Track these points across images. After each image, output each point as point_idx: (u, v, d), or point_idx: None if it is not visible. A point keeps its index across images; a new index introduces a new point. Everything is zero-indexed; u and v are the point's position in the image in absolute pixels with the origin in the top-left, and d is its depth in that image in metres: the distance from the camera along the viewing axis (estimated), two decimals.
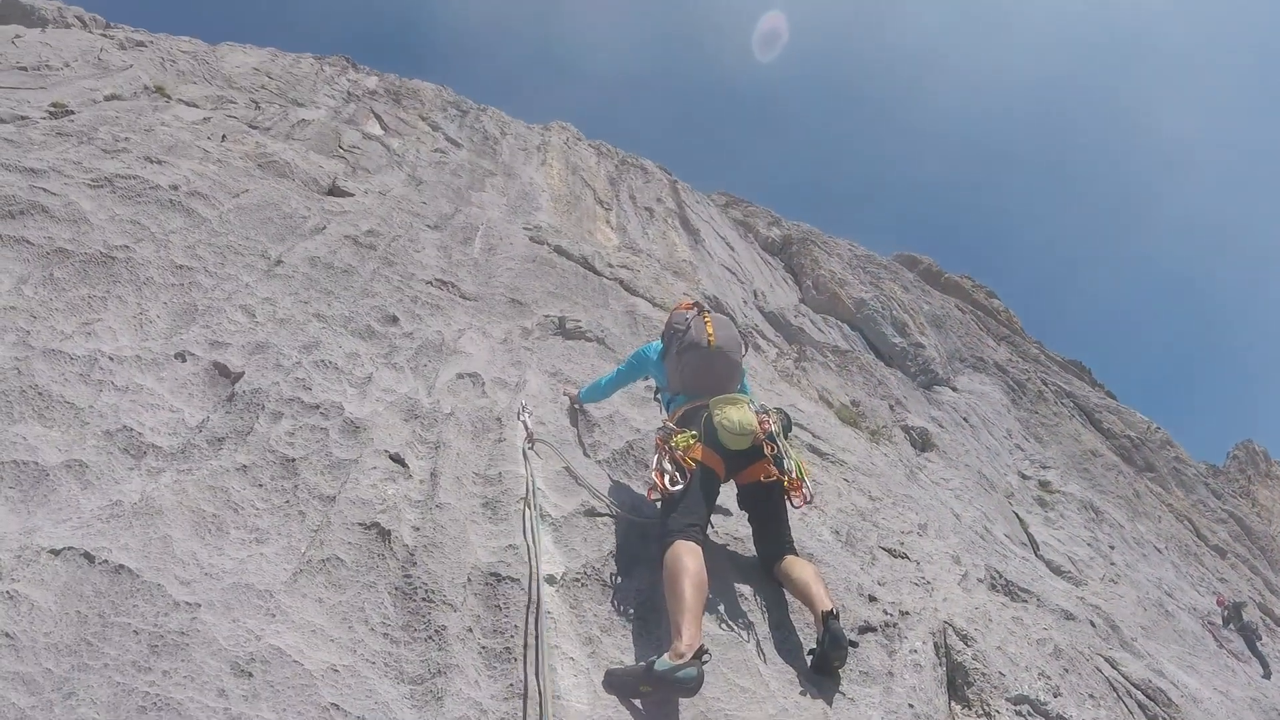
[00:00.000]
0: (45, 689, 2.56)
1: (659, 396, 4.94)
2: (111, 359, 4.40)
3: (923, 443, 13.31)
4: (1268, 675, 14.27)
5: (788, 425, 4.53)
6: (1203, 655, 11.39)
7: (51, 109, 7.49)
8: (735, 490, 4.48)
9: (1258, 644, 15.22)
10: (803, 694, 3.70)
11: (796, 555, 4.21)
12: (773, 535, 4.27)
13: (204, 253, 5.91)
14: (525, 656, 3.38)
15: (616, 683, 3.35)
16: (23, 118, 6.98)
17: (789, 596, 4.26)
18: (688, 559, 3.59)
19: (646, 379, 5.16)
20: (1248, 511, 27.54)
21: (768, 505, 4.27)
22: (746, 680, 3.64)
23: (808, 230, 27.15)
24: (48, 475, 3.50)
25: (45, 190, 5.64)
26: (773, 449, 4.18)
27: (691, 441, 4.06)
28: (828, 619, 3.67)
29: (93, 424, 3.91)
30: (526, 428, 5.04)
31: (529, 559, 3.85)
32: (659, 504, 4.07)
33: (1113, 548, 14.76)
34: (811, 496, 4.27)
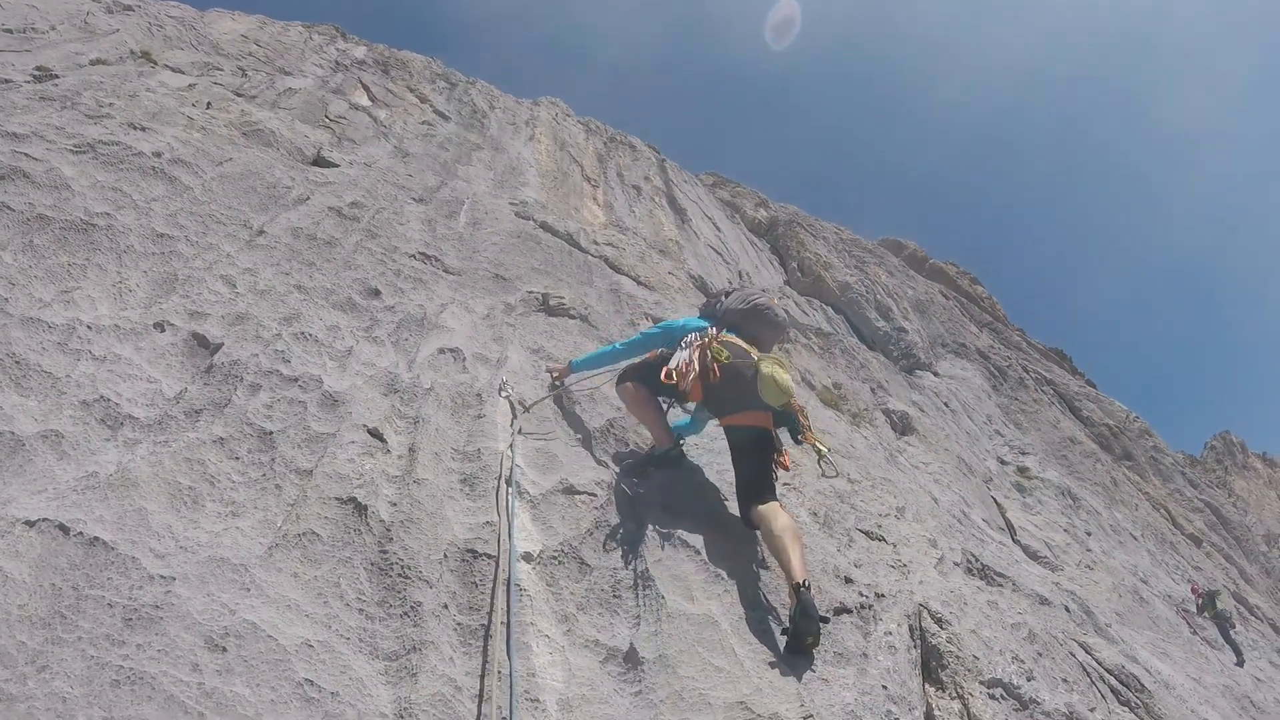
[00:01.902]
0: (19, 661, 2.54)
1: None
2: (90, 328, 4.34)
3: (903, 426, 13.36)
4: (1240, 663, 14.37)
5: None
6: (1176, 642, 11.54)
7: (36, 72, 7.36)
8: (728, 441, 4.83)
9: (1231, 632, 15.33)
10: (777, 674, 3.73)
11: (778, 503, 4.42)
12: (763, 482, 4.53)
13: (185, 221, 5.83)
14: (499, 633, 3.40)
15: (627, 469, 4.71)
16: (6, 80, 6.84)
17: (766, 556, 4.47)
18: (646, 390, 4.82)
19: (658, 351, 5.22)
20: (1224, 501, 27.85)
21: (761, 456, 4.60)
22: (721, 660, 3.67)
23: (794, 213, 27.08)
24: (24, 445, 3.45)
25: (27, 155, 5.53)
26: (806, 422, 4.71)
27: (726, 355, 4.62)
28: (799, 591, 3.88)
29: (70, 394, 3.86)
30: (512, 404, 5.09)
31: (500, 535, 3.87)
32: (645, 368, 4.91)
33: (1089, 534, 14.88)
34: (829, 464, 4.92)
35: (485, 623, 3.46)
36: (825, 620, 3.96)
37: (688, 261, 14.24)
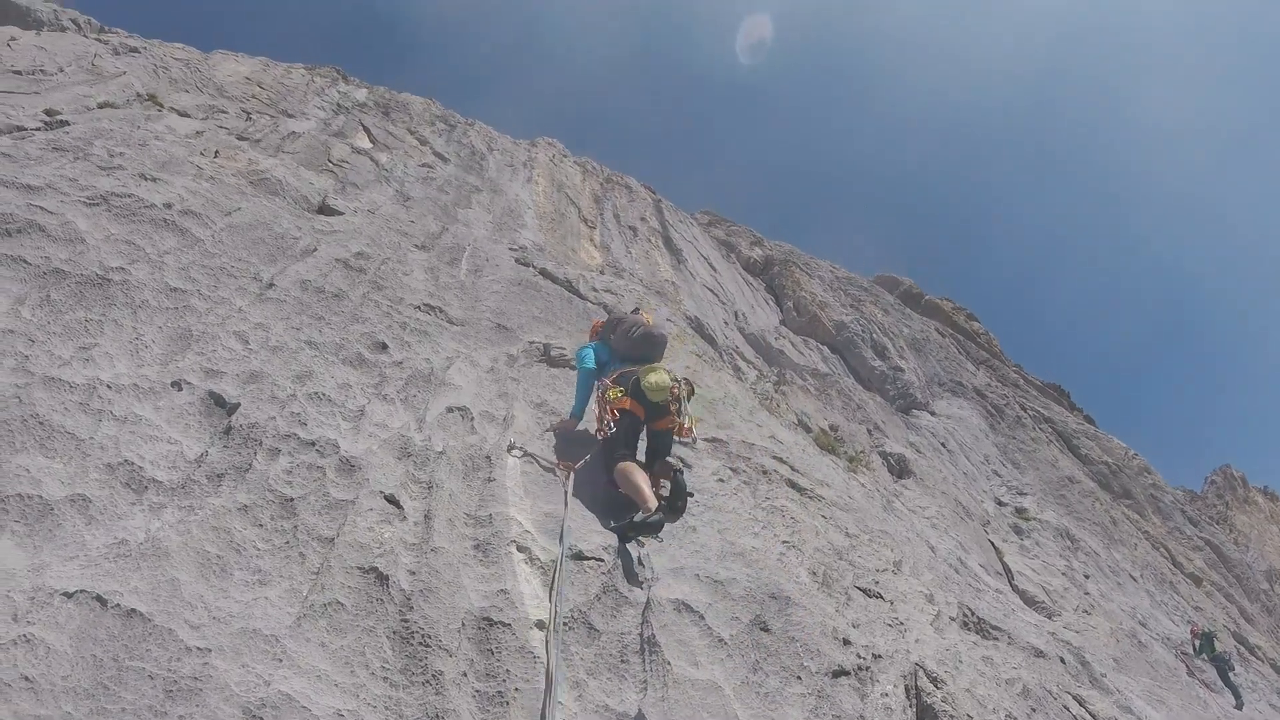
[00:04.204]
0: None
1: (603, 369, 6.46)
2: (109, 387, 4.50)
3: (900, 469, 13.55)
4: (1239, 706, 14.45)
5: (690, 392, 6.18)
6: (1174, 688, 11.65)
7: (45, 116, 7.55)
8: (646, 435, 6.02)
9: (1230, 674, 15.36)
10: None
11: (675, 467, 5.63)
12: (661, 453, 5.90)
13: (197, 274, 6.00)
14: (514, 700, 3.56)
15: (616, 532, 5.05)
16: (19, 128, 7.04)
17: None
18: (631, 466, 5.41)
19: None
20: (1224, 539, 28.01)
21: (664, 439, 5.95)
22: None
23: (789, 250, 27.45)
24: (52, 510, 3.59)
25: (42, 209, 5.71)
26: (677, 407, 5.88)
27: (620, 394, 5.85)
28: (675, 473, 5.29)
29: (94, 456, 4.01)
30: (550, 463, 5.72)
31: (552, 605, 4.08)
32: (604, 444, 5.69)
33: (1088, 576, 15.01)
34: (694, 436, 6.11)
35: (501, 690, 3.62)
36: (692, 496, 5.36)
37: (684, 303, 14.49)
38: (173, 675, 3.03)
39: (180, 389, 4.79)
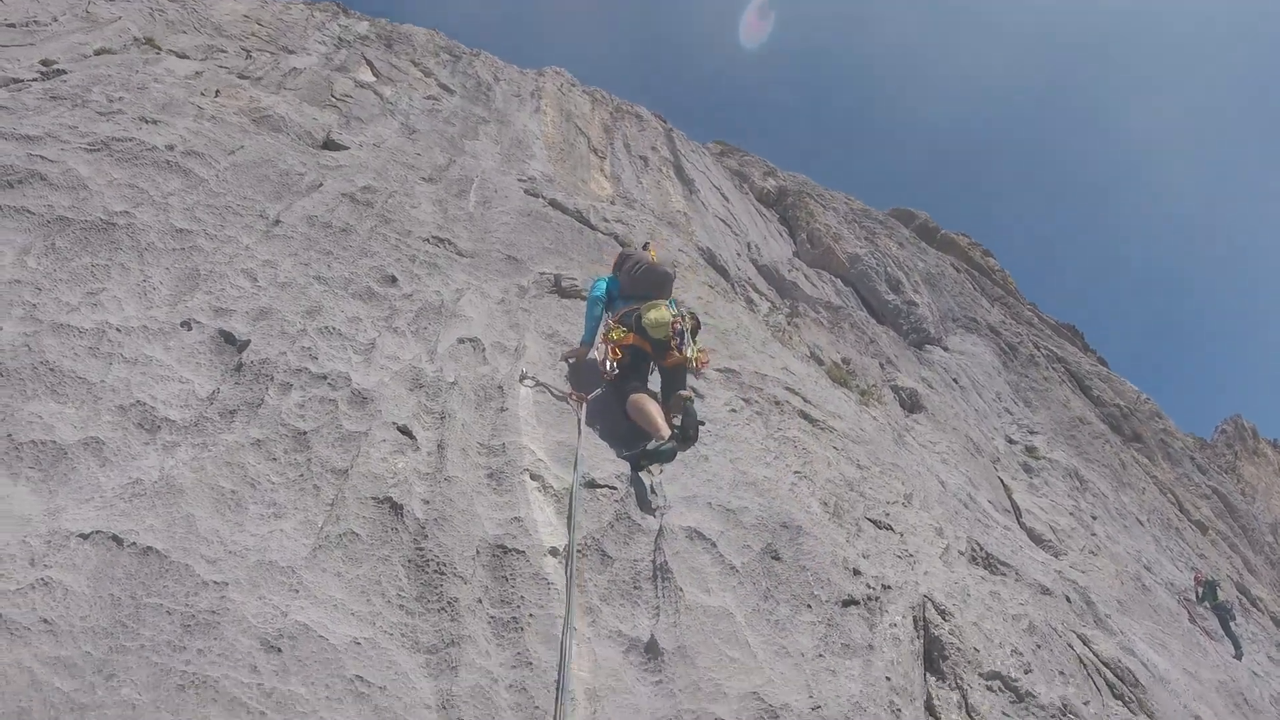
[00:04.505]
0: (86, 671, 2.70)
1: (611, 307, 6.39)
2: (119, 330, 4.45)
3: (912, 404, 13.42)
4: (1239, 656, 14.40)
5: (696, 326, 6.20)
6: (1175, 633, 11.65)
7: (42, 66, 7.40)
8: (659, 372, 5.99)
9: (1231, 624, 15.30)
10: (788, 665, 3.91)
11: (685, 395, 5.61)
12: (674, 388, 5.75)
13: (203, 215, 5.92)
14: (529, 625, 3.58)
15: (631, 461, 5.03)
16: (15, 80, 6.89)
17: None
18: (643, 396, 5.42)
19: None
20: (1232, 488, 27.75)
21: (675, 375, 5.85)
22: (735, 651, 3.84)
23: (803, 182, 26.85)
24: (66, 454, 3.57)
25: (43, 158, 5.61)
26: (678, 342, 5.78)
27: (624, 333, 5.82)
28: (685, 402, 5.42)
29: (106, 399, 3.97)
30: (563, 393, 5.69)
31: (569, 533, 4.07)
32: (616, 371, 5.71)
33: (1095, 518, 14.92)
34: (701, 365, 6.00)
35: (516, 615, 3.63)
36: (703, 424, 5.62)
37: (696, 234, 14.27)
38: (190, 610, 3.03)
39: (190, 328, 4.75)
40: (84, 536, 3.17)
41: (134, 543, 3.20)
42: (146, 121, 6.83)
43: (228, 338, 4.79)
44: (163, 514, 3.42)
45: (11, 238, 4.88)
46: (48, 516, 3.25)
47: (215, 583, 3.17)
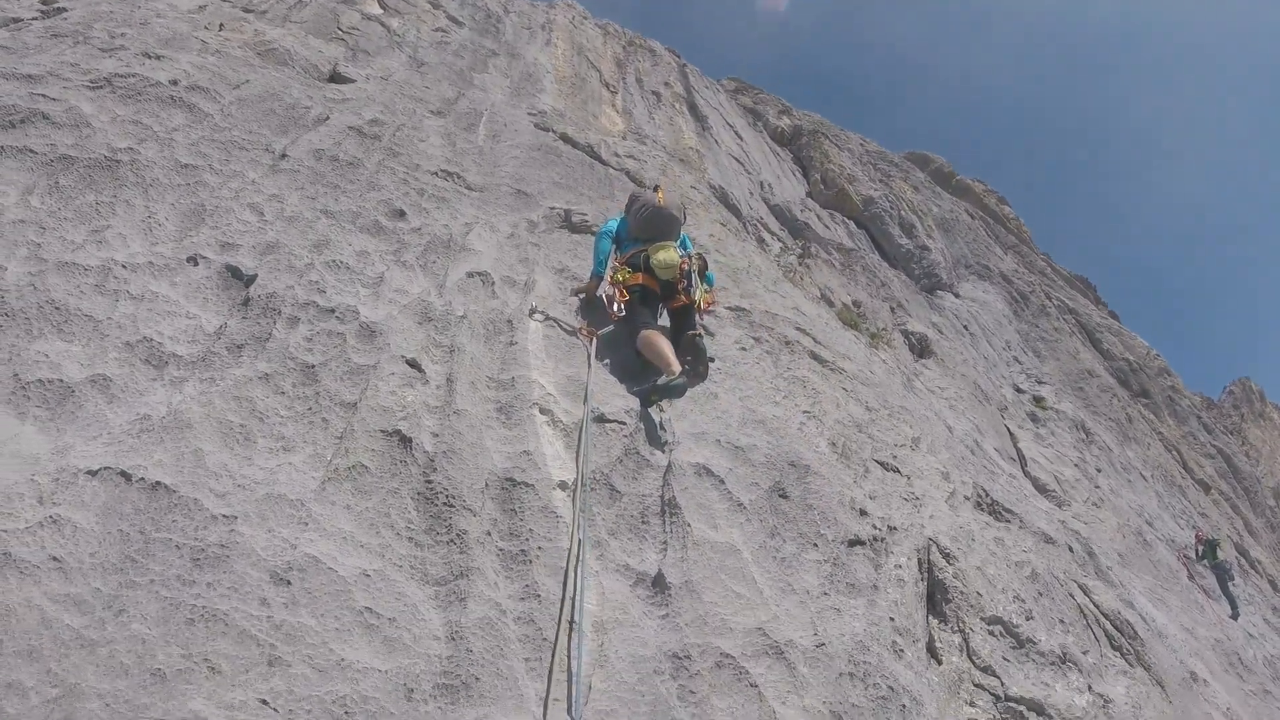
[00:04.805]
0: (96, 608, 2.68)
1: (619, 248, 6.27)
2: (125, 267, 4.37)
3: (921, 349, 13.24)
4: (1235, 616, 14.33)
5: (704, 267, 6.09)
6: (1174, 589, 11.62)
7: (41, 5, 7.21)
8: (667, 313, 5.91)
9: (1229, 584, 15.23)
10: (793, 602, 3.89)
11: (694, 332, 5.62)
12: (683, 329, 5.68)
13: (208, 149, 5.80)
14: (537, 558, 3.56)
15: (641, 396, 4.96)
16: (15, 20, 6.71)
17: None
18: (653, 332, 5.32)
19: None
20: (1237, 450, 27.56)
21: (684, 316, 5.77)
22: (742, 587, 3.81)
23: (818, 122, 26.17)
24: (73, 392, 3.52)
25: (45, 96, 5.47)
26: (685, 284, 5.75)
27: (629, 274, 5.74)
28: (695, 339, 5.44)
29: (112, 336, 3.91)
30: (572, 328, 5.60)
31: (578, 467, 4.02)
32: (624, 314, 5.59)
33: (1099, 470, 14.80)
34: (708, 305, 5.97)
35: (525, 548, 3.61)
36: (713, 360, 5.65)
37: (708, 171, 14.01)
38: (199, 544, 3.00)
39: (196, 264, 4.67)
40: (92, 473, 3.13)
41: (142, 478, 3.17)
42: (149, 57, 6.66)
43: (234, 272, 4.71)
44: (171, 449, 3.38)
45: (15, 177, 4.78)
46: (55, 455, 3.21)
47: (224, 516, 3.14)
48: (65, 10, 7.21)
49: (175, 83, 6.37)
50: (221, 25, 8.04)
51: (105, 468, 3.16)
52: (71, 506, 2.97)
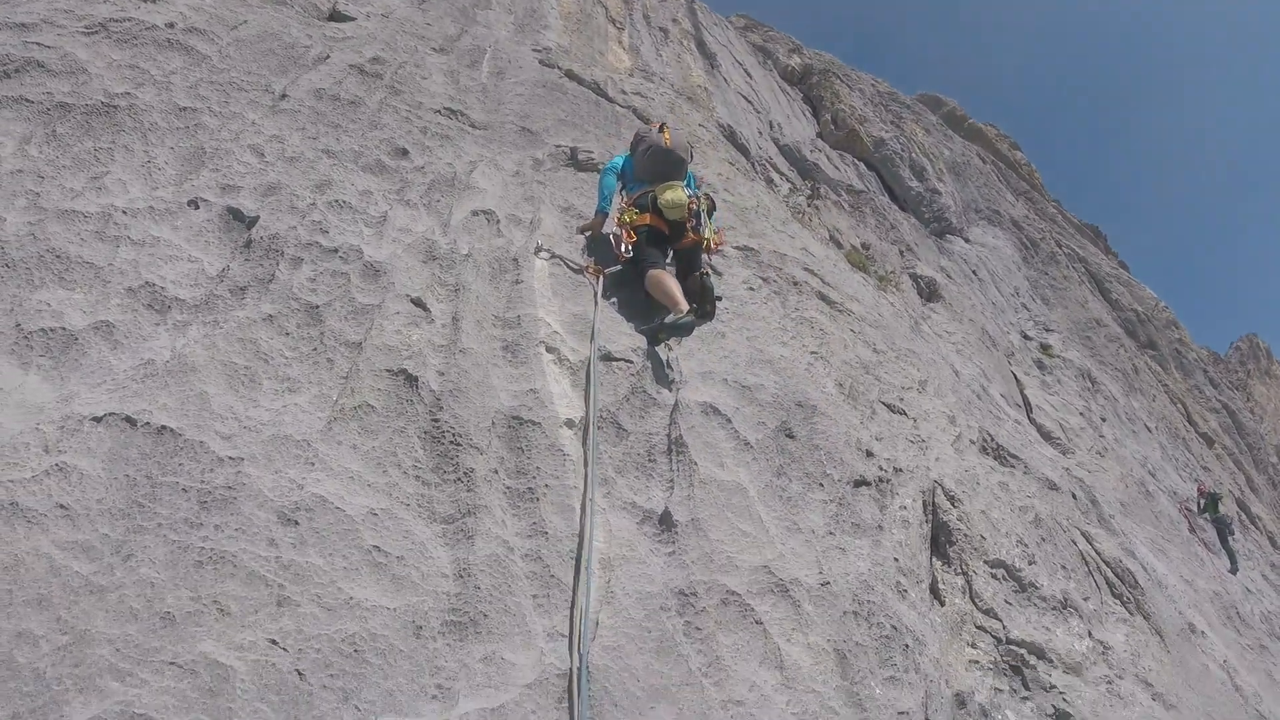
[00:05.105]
0: (104, 554, 2.65)
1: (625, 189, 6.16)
2: (125, 212, 4.28)
3: (929, 293, 13.05)
4: (1234, 570, 14.28)
5: (712, 207, 6.00)
6: (1175, 541, 11.55)
7: None
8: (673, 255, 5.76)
9: (1229, 538, 15.15)
10: (799, 541, 3.88)
11: (701, 271, 5.48)
12: (690, 269, 5.56)
13: (206, 92, 5.67)
14: (544, 496, 3.54)
15: (648, 335, 4.89)
16: None
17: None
18: (660, 272, 5.25)
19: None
20: (1241, 405, 27.31)
21: (691, 256, 5.66)
22: (748, 525, 3.78)
23: (829, 61, 25.43)
24: (76, 339, 3.45)
25: (39, 44, 5.30)
26: (694, 223, 5.63)
27: (637, 215, 5.63)
28: (703, 278, 5.23)
29: (114, 282, 3.82)
30: (579, 266, 5.50)
31: (587, 405, 3.98)
32: (631, 254, 5.51)
33: (1104, 420, 14.66)
34: (717, 245, 5.89)
35: (532, 486, 3.58)
36: (720, 299, 5.38)
37: (716, 110, 13.69)
38: (206, 486, 2.97)
39: (197, 207, 4.58)
40: (97, 420, 3.09)
41: (148, 423, 3.13)
42: (144, 0, 6.51)
43: (236, 215, 4.62)
44: (176, 393, 3.33)
45: (11, 128, 4.66)
46: (60, 403, 3.16)
47: (230, 459, 3.11)
48: None
49: (172, 25, 6.20)
50: None
51: (110, 414, 3.12)
52: (77, 454, 2.93)
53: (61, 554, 2.60)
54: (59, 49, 5.32)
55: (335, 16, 8.36)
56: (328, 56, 7.02)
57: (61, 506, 2.74)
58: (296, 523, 2.98)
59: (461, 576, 3.07)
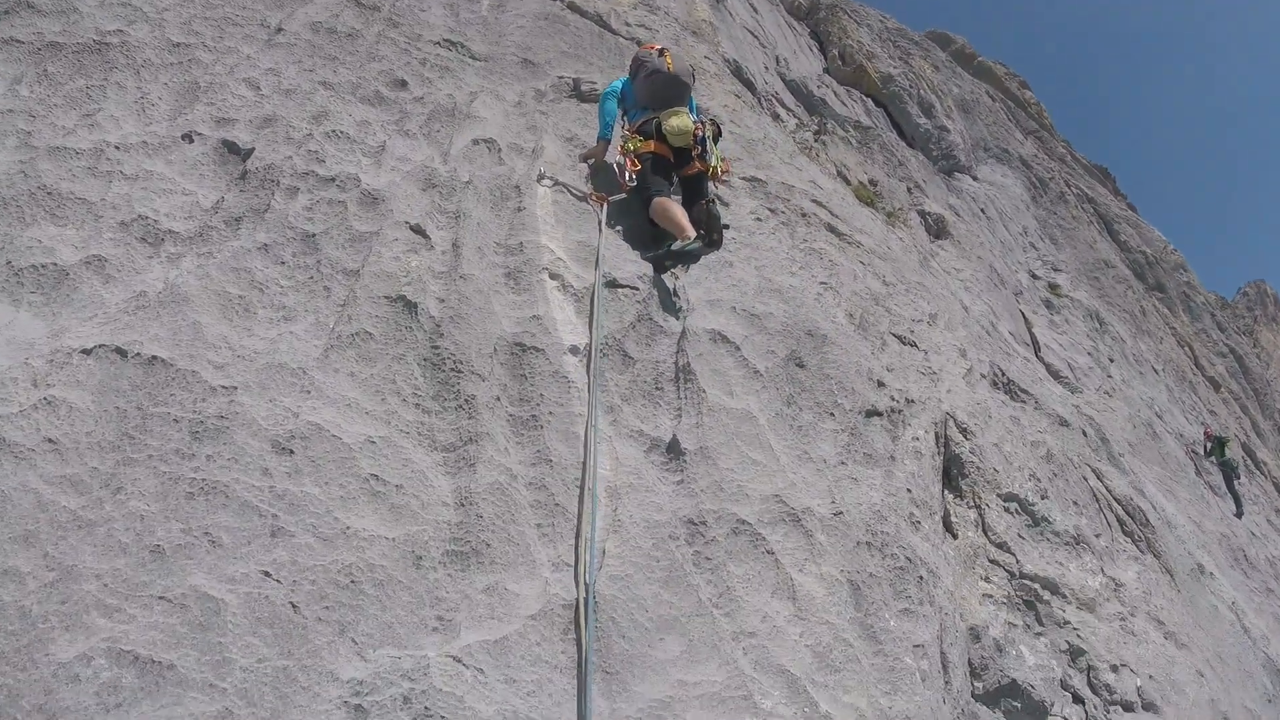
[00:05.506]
0: (93, 487, 2.52)
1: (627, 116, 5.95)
2: (117, 148, 4.09)
3: (938, 230, 12.69)
4: (1240, 514, 14.12)
5: (718, 133, 5.77)
6: (1183, 482, 11.35)
7: None
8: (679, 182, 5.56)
9: (1235, 482, 14.99)
10: (810, 470, 3.74)
11: (708, 199, 5.26)
12: (696, 197, 5.36)
13: (201, 27, 5.45)
14: (548, 423, 3.42)
15: (654, 262, 4.76)
16: None
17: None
18: (666, 200, 5.03)
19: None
20: (1248, 350, 26.77)
21: (697, 184, 5.45)
22: (758, 454, 3.64)
23: None
24: (68, 275, 3.31)
25: None
26: (699, 150, 5.42)
27: (641, 142, 5.41)
28: (709, 205, 5.02)
29: (106, 216, 3.66)
30: (582, 193, 5.28)
31: (590, 331, 3.83)
32: (635, 183, 5.27)
33: (1112, 360, 14.35)
34: (724, 173, 5.68)
35: (535, 413, 3.45)
36: (727, 227, 5.21)
37: (722, 45, 13.23)
38: (198, 416, 2.83)
39: (191, 140, 4.39)
40: (86, 352, 2.94)
41: (138, 353, 2.98)
42: None
43: (231, 147, 4.42)
44: (168, 323, 3.18)
45: (1, 69, 4.54)
46: (50, 338, 3.00)
47: (223, 388, 2.96)
48: None
49: None
50: None
51: (100, 345, 2.98)
52: (66, 387, 2.80)
53: (49, 489, 2.48)
54: None
55: None
56: None
57: (49, 440, 2.62)
58: (291, 451, 2.86)
59: (463, 505, 2.95)
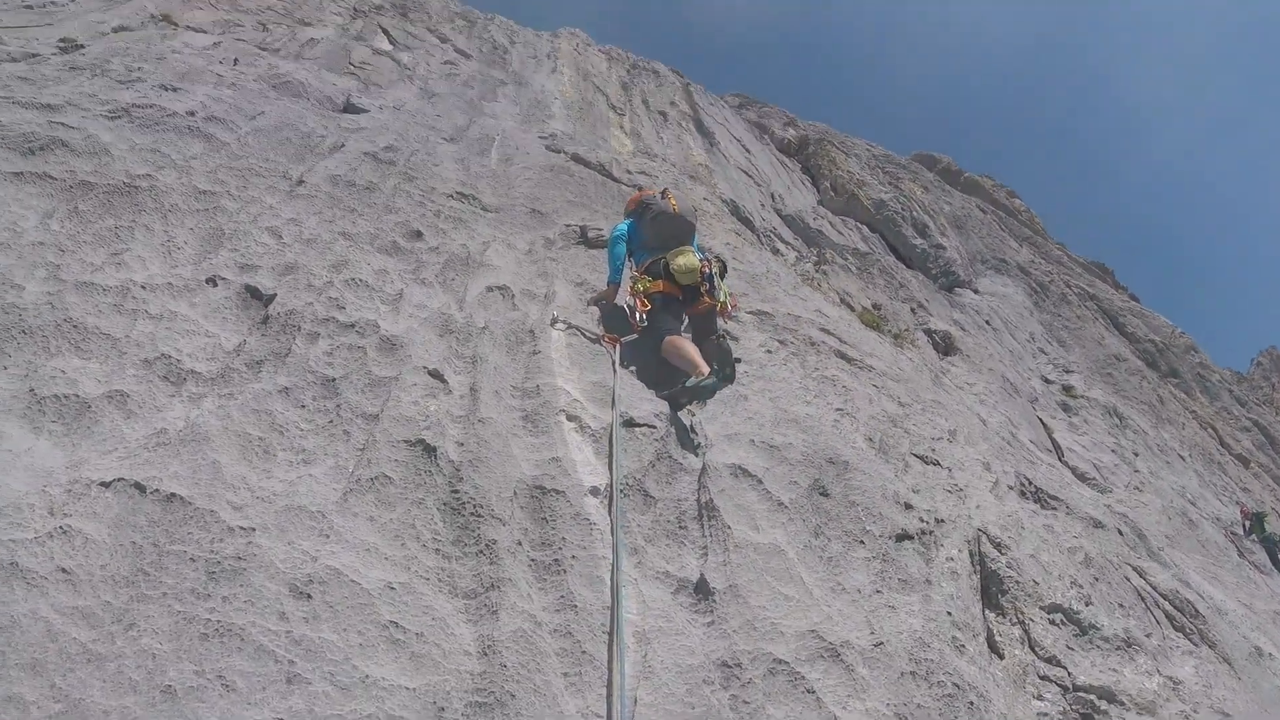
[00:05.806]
0: (105, 621, 2.46)
1: (633, 257, 6.08)
2: (143, 288, 4.21)
3: (946, 346, 12.88)
4: None
5: (723, 269, 5.96)
6: (1226, 566, 11.14)
7: (61, 44, 7.15)
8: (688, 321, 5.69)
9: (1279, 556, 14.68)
10: (845, 601, 3.62)
11: (718, 335, 5.46)
12: (706, 334, 5.48)
13: (226, 177, 5.67)
14: (571, 568, 3.30)
15: (669, 399, 4.80)
16: (34, 55, 6.64)
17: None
18: (678, 338, 5.19)
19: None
20: (1272, 420, 26.65)
21: (706, 321, 5.57)
22: (790, 589, 3.54)
23: (824, 130, 25.94)
24: (90, 407, 3.35)
25: (63, 125, 5.36)
26: (708, 286, 5.54)
27: (650, 282, 5.52)
28: (720, 341, 5.23)
29: (130, 353, 3.74)
30: (595, 335, 5.37)
31: (610, 472, 3.80)
32: (646, 323, 5.34)
33: (1137, 454, 14.27)
34: (733, 308, 5.83)
35: (558, 557, 3.35)
36: (739, 360, 5.36)
37: (719, 186, 13.82)
38: (215, 556, 2.77)
39: (215, 284, 4.50)
40: (105, 485, 2.93)
41: (157, 490, 2.96)
42: (167, 89, 6.56)
43: (253, 292, 4.53)
44: (188, 461, 3.17)
45: (34, 202, 4.66)
46: (69, 468, 3.01)
47: (242, 529, 2.91)
48: (84, 47, 7.14)
49: (192, 113, 6.26)
50: (236, 60, 7.94)
51: (119, 479, 2.96)
52: (83, 518, 2.76)
53: (60, 619, 2.41)
54: (83, 130, 5.36)
55: (349, 109, 8.47)
56: (343, 145, 7.07)
57: (63, 570, 2.55)
58: (309, 596, 2.76)
59: (486, 654, 2.83)
